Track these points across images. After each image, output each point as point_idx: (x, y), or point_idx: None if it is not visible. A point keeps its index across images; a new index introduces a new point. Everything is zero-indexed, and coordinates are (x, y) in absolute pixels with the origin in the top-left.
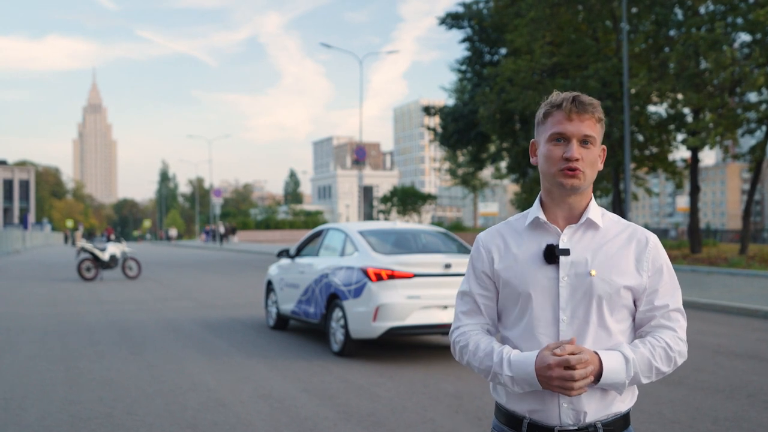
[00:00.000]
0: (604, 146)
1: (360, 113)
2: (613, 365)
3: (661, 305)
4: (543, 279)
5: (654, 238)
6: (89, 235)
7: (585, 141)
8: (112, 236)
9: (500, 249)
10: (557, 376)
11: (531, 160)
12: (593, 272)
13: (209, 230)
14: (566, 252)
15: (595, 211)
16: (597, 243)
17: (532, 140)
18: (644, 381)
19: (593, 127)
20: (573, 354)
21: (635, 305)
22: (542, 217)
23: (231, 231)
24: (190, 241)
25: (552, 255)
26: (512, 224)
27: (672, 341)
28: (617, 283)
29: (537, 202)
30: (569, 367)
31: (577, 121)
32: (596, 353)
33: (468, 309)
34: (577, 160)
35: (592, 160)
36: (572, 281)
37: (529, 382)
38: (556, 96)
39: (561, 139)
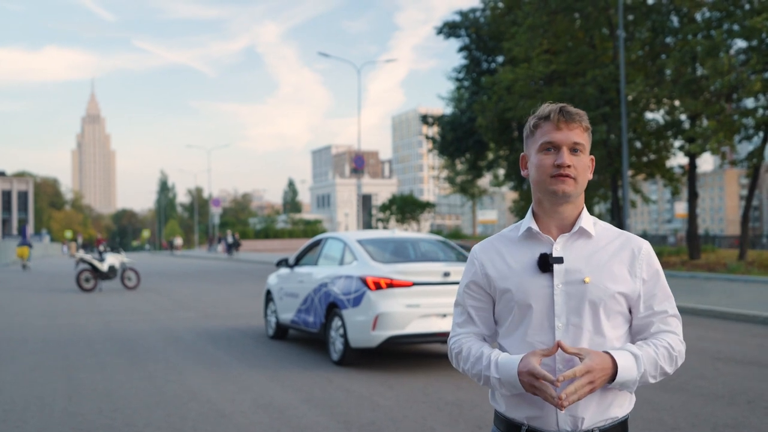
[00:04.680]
0: (593, 156)
1: (358, 122)
2: (626, 363)
3: (660, 310)
4: (538, 288)
5: (647, 245)
6: (84, 246)
7: (575, 149)
8: (101, 247)
9: (494, 260)
10: (539, 387)
11: (522, 172)
12: (587, 279)
13: (226, 237)
14: (560, 260)
15: (587, 220)
16: (590, 251)
17: (522, 153)
18: (651, 381)
19: (581, 135)
20: (578, 356)
21: (630, 312)
22: (535, 227)
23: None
24: (191, 251)
25: (546, 263)
26: (506, 235)
27: (673, 342)
28: (611, 290)
29: (529, 214)
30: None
31: (566, 130)
32: (607, 353)
33: (461, 320)
34: (568, 166)
35: (582, 168)
36: (567, 289)
37: (514, 385)
38: (543, 108)
39: (551, 148)
